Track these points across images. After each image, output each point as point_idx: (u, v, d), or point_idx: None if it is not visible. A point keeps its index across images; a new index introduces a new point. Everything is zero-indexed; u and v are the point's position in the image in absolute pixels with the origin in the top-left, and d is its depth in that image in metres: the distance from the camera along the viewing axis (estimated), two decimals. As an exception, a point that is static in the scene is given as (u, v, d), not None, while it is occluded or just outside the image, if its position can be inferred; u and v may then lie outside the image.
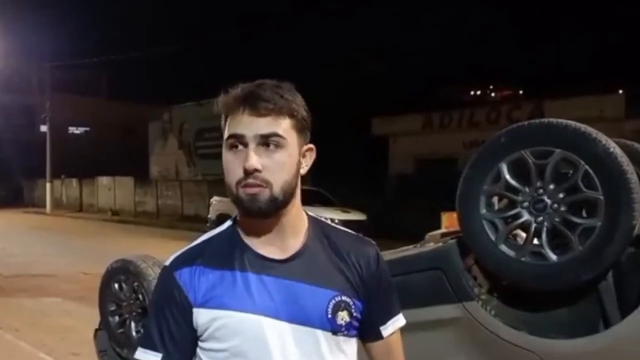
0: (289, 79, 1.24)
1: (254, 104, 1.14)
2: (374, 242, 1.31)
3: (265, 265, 1.19)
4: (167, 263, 1.24)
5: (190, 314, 1.19)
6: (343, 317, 1.20)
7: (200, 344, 1.21)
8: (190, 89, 27.94)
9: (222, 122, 1.19)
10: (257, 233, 1.21)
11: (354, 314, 1.22)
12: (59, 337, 6.19)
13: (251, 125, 1.14)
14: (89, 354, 3.80)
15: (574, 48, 24.08)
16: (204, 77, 30.25)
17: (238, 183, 1.15)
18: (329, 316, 1.19)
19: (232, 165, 1.15)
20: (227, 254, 1.21)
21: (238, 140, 1.15)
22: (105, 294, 3.24)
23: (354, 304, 1.22)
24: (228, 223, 1.27)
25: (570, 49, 24.16)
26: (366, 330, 1.29)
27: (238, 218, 1.25)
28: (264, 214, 1.16)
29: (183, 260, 1.22)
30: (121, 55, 26.27)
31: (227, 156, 1.17)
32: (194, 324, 1.20)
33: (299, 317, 1.18)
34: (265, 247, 1.21)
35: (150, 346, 1.21)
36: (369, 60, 26.58)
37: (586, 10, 24.39)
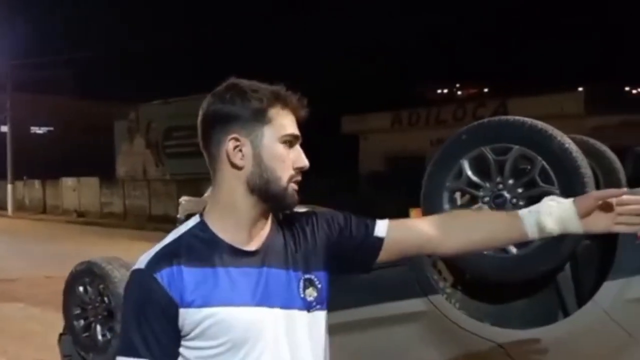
0: (258, 77, 1.28)
1: (304, 111, 1.26)
2: (309, 210, 1.40)
3: (242, 258, 1.22)
4: (142, 266, 1.20)
5: (176, 315, 1.17)
6: (311, 293, 1.28)
7: (185, 343, 1.20)
8: (157, 87, 27.57)
9: (257, 109, 1.20)
10: (240, 227, 1.23)
11: (319, 286, 1.30)
12: (22, 342, 6.05)
13: (297, 129, 1.25)
14: (53, 359, 3.73)
15: (537, 48, 24.64)
16: (171, 76, 29.88)
17: (290, 178, 1.23)
18: (301, 296, 1.27)
19: (288, 162, 1.23)
20: (204, 251, 1.21)
21: (293, 140, 1.24)
22: (69, 297, 3.18)
23: (316, 277, 1.30)
24: (196, 219, 1.26)
25: (534, 49, 24.71)
26: (369, 252, 1.35)
27: (206, 213, 1.26)
28: (293, 208, 1.27)
29: (160, 261, 1.19)
30: (85, 53, 25.73)
31: (282, 151, 1.23)
32: (180, 324, 1.18)
33: (281, 302, 1.23)
34: (240, 240, 1.24)
35: (133, 353, 1.17)
36: (338, 60, 26.67)
37: (548, 14, 24.98)
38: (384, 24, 27.95)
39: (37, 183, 28.86)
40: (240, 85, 1.23)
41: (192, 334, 1.18)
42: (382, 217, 1.46)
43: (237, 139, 1.20)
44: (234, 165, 1.21)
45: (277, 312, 1.23)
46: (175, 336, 1.19)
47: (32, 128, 35.10)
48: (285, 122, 1.23)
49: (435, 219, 1.40)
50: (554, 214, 1.25)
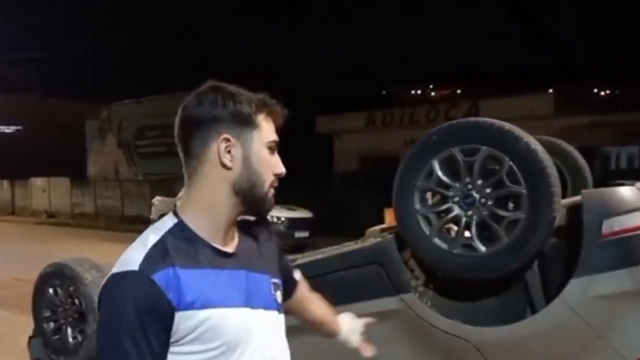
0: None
1: (283, 119, 1.30)
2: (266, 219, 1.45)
3: (225, 259, 1.24)
4: (135, 267, 1.14)
5: (172, 318, 1.13)
6: (279, 295, 1.34)
7: (176, 349, 1.16)
8: (129, 86, 27.17)
9: (248, 113, 1.23)
10: (219, 228, 1.24)
11: (282, 291, 1.36)
12: (-9, 346, 5.91)
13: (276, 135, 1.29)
14: (23, 362, 3.65)
15: (508, 50, 25.05)
16: (143, 75, 29.49)
17: (271, 184, 1.27)
18: (274, 297, 1.31)
19: (270, 168, 1.26)
20: (191, 252, 1.19)
21: (275, 146, 1.28)
22: (39, 299, 3.13)
23: (280, 281, 1.36)
24: (171, 219, 1.24)
25: (505, 50, 25.10)
26: (287, 288, 1.44)
27: (183, 212, 1.24)
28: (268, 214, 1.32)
29: (153, 263, 1.14)
30: (55, 51, 25.22)
31: (268, 156, 1.26)
32: (174, 329, 1.14)
33: (262, 303, 1.27)
34: (219, 241, 1.25)
35: None
36: (312, 60, 26.69)
37: (518, 16, 25.39)
38: (358, 24, 28.06)
39: (5, 183, 28.20)
40: (228, 88, 1.25)
41: (187, 338, 1.15)
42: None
43: (228, 140, 1.21)
44: (224, 166, 1.21)
45: (261, 313, 1.25)
46: (167, 341, 1.15)
47: (-1, 127, 34.27)
48: (269, 129, 1.27)
49: (312, 295, 1.62)
50: (349, 329, 1.67)
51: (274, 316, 1.29)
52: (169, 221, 1.23)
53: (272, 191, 1.28)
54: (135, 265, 1.14)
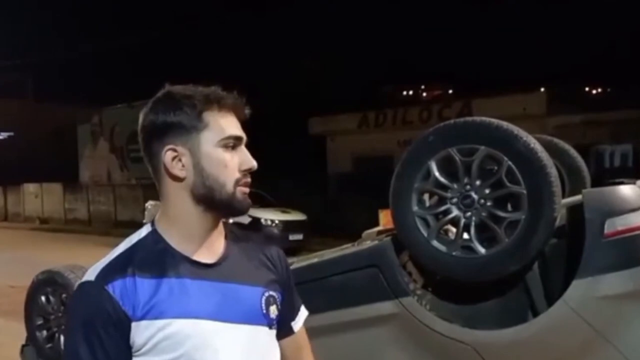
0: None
1: (245, 109, 1.21)
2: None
3: (198, 270, 1.19)
4: (92, 277, 1.15)
5: (128, 328, 1.12)
6: (274, 310, 1.26)
7: (136, 359, 1.14)
8: (120, 90, 27.10)
9: (191, 116, 1.16)
10: (193, 238, 1.20)
11: (279, 307, 1.28)
12: (-16, 355, 5.84)
13: (240, 129, 1.21)
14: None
15: (499, 49, 25.16)
16: (133, 79, 29.44)
17: (237, 182, 1.18)
18: (264, 311, 1.24)
19: (232, 164, 1.18)
20: (158, 262, 1.16)
21: (236, 142, 1.19)
22: (31, 307, 3.11)
23: (278, 297, 1.28)
24: (147, 229, 1.22)
25: (496, 50, 25.22)
26: (279, 328, 1.31)
27: (158, 222, 1.22)
28: (246, 212, 1.22)
29: (112, 272, 1.14)
30: (46, 56, 25.10)
31: (225, 155, 1.18)
32: (131, 339, 1.13)
33: (238, 316, 1.20)
34: (194, 251, 1.20)
35: None
36: (305, 61, 26.70)
37: (509, 15, 25.53)
38: (350, 25, 28.12)
39: (-3, 190, 28.07)
40: (173, 93, 1.19)
41: (144, 349, 1.13)
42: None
43: (174, 150, 1.17)
44: (175, 177, 1.18)
45: (235, 326, 1.19)
46: (126, 351, 1.14)
47: (-10, 133, 34.07)
48: (223, 125, 1.18)
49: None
50: None
51: (259, 331, 1.22)
52: (144, 231, 1.22)
53: (241, 190, 1.19)
54: (92, 276, 1.15)
